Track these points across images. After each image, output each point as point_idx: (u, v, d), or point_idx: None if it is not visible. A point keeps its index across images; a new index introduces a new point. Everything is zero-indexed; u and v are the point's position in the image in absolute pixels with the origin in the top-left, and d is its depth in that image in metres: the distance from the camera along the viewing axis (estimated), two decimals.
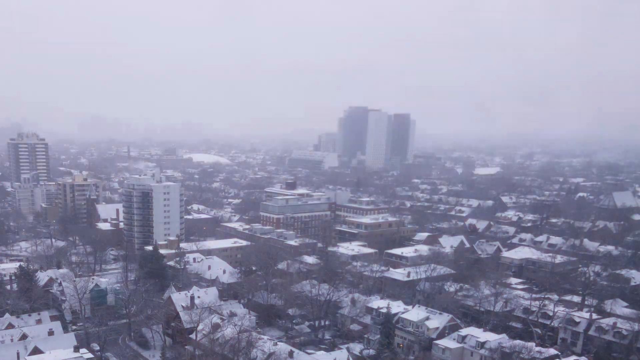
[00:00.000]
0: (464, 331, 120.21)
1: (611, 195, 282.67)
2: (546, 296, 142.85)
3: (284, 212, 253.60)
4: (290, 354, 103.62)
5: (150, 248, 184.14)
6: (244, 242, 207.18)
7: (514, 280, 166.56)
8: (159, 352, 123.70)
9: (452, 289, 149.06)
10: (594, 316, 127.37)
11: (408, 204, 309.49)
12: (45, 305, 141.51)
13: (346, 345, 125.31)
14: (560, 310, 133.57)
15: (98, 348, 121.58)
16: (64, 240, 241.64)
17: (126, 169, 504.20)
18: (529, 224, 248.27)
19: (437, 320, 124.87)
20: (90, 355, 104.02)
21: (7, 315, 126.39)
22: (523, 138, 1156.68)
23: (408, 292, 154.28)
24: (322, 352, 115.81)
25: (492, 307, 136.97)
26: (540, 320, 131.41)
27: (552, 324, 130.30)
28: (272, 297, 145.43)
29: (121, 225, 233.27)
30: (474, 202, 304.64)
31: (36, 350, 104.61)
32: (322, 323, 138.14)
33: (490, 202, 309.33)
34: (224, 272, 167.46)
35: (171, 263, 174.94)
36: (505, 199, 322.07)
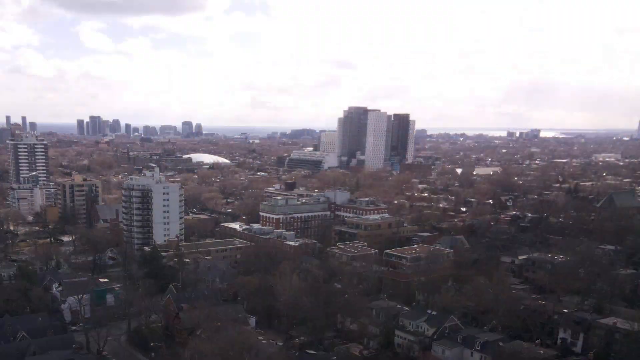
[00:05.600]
0: (464, 331, 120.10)
1: (611, 195, 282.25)
2: (546, 296, 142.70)
3: (284, 213, 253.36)
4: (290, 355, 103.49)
5: (149, 248, 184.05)
6: (243, 243, 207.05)
7: (513, 280, 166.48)
8: (158, 353, 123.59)
9: (451, 289, 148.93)
10: (594, 316, 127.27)
11: (408, 204, 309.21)
12: (44, 305, 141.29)
13: (346, 346, 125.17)
14: (560, 310, 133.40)
15: (97, 349, 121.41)
16: (63, 240, 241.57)
17: (126, 170, 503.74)
18: (529, 224, 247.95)
19: (437, 321, 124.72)
20: (89, 356, 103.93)
21: (6, 315, 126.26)
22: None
23: (408, 292, 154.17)
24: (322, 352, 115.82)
25: (492, 307, 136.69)
26: (540, 320, 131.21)
27: (552, 324, 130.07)
28: (272, 297, 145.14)
29: (121, 225, 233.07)
30: (474, 202, 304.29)
31: (36, 351, 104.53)
32: (322, 323, 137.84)
33: (490, 202, 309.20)
34: (224, 272, 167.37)
35: (170, 263, 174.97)
36: (505, 198, 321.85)
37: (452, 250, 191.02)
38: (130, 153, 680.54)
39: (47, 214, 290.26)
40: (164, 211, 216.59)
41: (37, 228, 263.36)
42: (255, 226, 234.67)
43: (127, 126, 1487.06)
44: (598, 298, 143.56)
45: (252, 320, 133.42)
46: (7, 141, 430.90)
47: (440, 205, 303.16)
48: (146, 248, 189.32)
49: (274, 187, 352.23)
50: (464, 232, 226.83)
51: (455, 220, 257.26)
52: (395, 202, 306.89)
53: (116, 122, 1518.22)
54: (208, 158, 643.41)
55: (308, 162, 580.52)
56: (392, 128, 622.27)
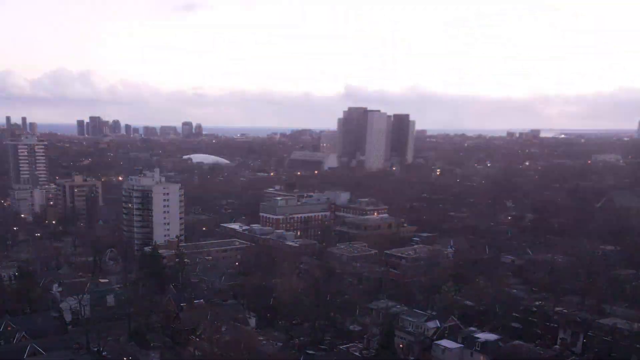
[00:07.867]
0: (464, 331, 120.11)
1: (611, 195, 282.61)
2: (546, 296, 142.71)
3: (284, 213, 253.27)
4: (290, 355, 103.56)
5: (149, 249, 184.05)
6: (243, 243, 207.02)
7: (513, 280, 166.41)
8: (158, 353, 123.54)
9: (451, 290, 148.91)
10: (594, 316, 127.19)
11: (408, 204, 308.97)
12: (44, 305, 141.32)
13: (346, 346, 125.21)
14: (560, 310, 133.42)
15: (97, 349, 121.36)
16: (64, 241, 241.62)
17: (126, 170, 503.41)
18: (529, 224, 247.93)
19: (437, 321, 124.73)
20: (89, 356, 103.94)
21: (6, 315, 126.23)
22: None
23: (408, 292, 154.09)
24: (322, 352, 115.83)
25: (491, 307, 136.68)
26: (540, 320, 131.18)
27: (552, 324, 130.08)
28: (272, 297, 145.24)
29: (121, 226, 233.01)
30: (474, 202, 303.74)
31: (35, 352, 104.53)
32: (322, 323, 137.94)
33: (490, 202, 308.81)
34: (224, 272, 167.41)
35: (171, 264, 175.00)
36: (504, 198, 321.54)
37: (452, 251, 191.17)
38: (131, 153, 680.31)
39: (47, 215, 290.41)
40: (164, 211, 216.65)
41: (37, 229, 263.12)
42: (255, 226, 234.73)
43: (127, 126, 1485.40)
44: (598, 298, 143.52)
45: (252, 320, 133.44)
46: (7, 141, 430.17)
47: (440, 205, 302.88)
48: (146, 248, 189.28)
49: (274, 187, 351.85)
50: (464, 232, 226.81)
51: (455, 220, 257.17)
52: (395, 202, 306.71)
53: (116, 123, 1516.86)
54: (208, 158, 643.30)
55: (308, 162, 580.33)
56: (392, 128, 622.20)
